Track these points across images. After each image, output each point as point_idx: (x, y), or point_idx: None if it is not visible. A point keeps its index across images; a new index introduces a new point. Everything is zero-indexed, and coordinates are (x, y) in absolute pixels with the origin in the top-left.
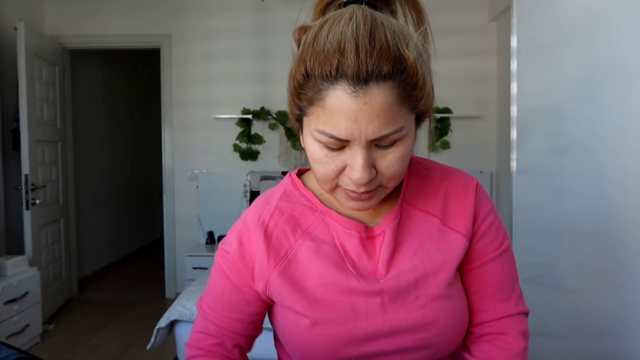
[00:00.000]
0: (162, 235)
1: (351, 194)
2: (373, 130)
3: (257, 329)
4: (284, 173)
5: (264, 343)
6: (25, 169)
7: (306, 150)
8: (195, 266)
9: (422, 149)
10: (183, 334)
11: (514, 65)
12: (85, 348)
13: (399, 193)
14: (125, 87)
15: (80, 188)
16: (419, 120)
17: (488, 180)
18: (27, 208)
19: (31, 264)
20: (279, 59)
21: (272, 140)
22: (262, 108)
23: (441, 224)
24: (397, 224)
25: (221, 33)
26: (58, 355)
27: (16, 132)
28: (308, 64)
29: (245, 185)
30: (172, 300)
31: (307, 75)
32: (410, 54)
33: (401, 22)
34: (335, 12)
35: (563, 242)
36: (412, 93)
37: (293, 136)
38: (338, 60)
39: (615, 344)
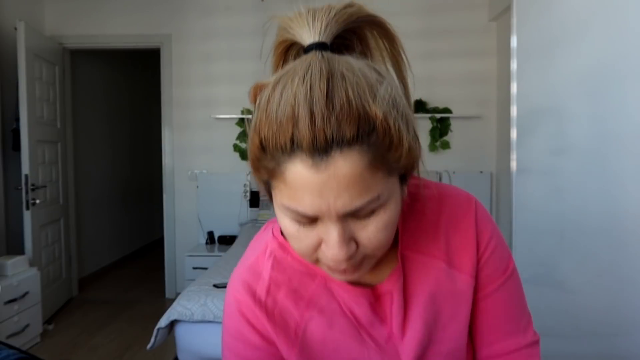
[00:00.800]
0: (162, 235)
1: (334, 268)
2: (343, 204)
3: None
4: None
5: None
6: (25, 169)
7: (278, 222)
8: (195, 266)
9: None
10: (183, 334)
11: (514, 65)
12: (85, 348)
13: (396, 240)
14: (125, 87)
15: (80, 188)
16: (404, 178)
17: (488, 180)
18: (27, 208)
19: (31, 264)
20: None
21: None
22: None
23: (447, 267)
24: (404, 280)
25: (221, 33)
26: (58, 355)
27: (16, 132)
28: (262, 134)
29: (245, 185)
30: (172, 300)
31: (262, 147)
32: (378, 110)
33: (374, 58)
34: (291, 65)
35: (563, 242)
36: (387, 155)
37: None
38: (292, 130)
39: (615, 344)
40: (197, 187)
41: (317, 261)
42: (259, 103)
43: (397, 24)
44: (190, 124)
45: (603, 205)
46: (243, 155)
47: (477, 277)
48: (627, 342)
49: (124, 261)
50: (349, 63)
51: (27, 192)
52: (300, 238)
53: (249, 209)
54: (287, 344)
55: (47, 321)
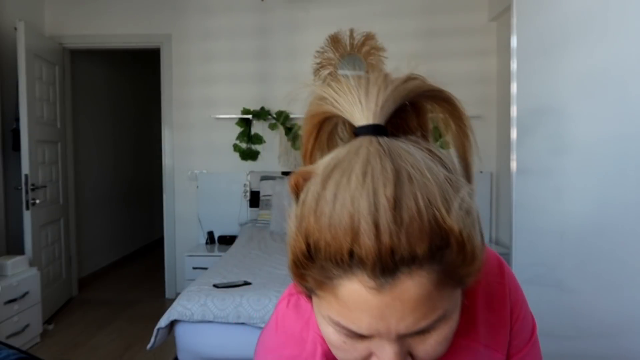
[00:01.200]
0: (162, 235)
1: None
2: (407, 326)
3: None
4: (284, 173)
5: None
6: (25, 169)
7: (319, 326)
8: (195, 266)
9: None
10: (183, 334)
11: (514, 65)
12: (85, 348)
13: None
14: (125, 87)
15: (80, 188)
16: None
17: (488, 180)
18: (27, 208)
19: (31, 264)
20: (279, 59)
21: (272, 140)
22: (262, 108)
23: (484, 348)
24: None
25: (221, 33)
26: (58, 355)
27: (16, 132)
28: (311, 239)
29: (245, 185)
30: (172, 300)
31: (310, 255)
32: (453, 223)
33: (428, 133)
34: (342, 153)
35: (563, 242)
36: (458, 270)
37: (293, 136)
38: (351, 242)
39: (615, 344)
40: (197, 187)
41: None
42: (305, 199)
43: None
44: (190, 124)
45: (603, 205)
46: (243, 155)
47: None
48: (627, 342)
49: (124, 261)
50: (414, 157)
51: (27, 192)
52: (346, 350)
53: (249, 209)
54: None
55: (47, 321)
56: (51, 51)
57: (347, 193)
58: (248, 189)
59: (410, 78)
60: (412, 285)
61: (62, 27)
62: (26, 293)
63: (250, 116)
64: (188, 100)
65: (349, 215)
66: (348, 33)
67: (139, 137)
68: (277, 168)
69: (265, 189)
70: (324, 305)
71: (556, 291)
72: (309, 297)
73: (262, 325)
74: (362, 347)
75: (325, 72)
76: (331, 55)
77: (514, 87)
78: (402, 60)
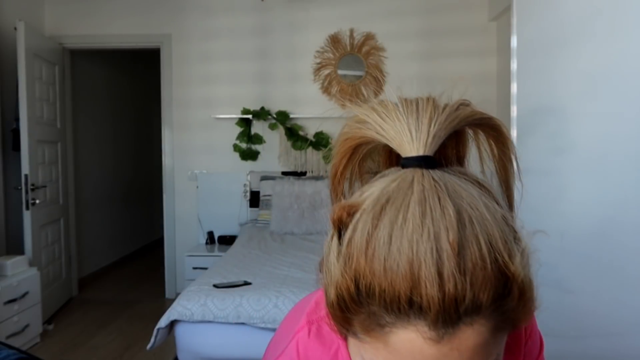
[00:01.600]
0: (162, 235)
1: None
2: None
3: None
4: (284, 173)
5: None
6: (25, 169)
7: None
8: (195, 266)
9: None
10: (183, 334)
11: (514, 65)
12: (85, 348)
13: None
14: (125, 87)
15: (80, 188)
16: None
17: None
18: (27, 208)
19: (31, 264)
20: (279, 59)
21: (272, 140)
22: (262, 108)
23: None
24: None
25: (221, 33)
26: (58, 355)
27: (16, 132)
28: (362, 283)
29: (245, 185)
30: (172, 300)
31: (359, 297)
32: (516, 269)
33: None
34: (393, 185)
35: (563, 242)
36: (515, 317)
37: (293, 136)
38: (411, 290)
39: (615, 344)
40: (197, 187)
41: None
42: (352, 237)
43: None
44: (190, 124)
45: (603, 205)
46: (243, 155)
47: None
48: (627, 342)
49: (124, 261)
50: (471, 195)
51: (27, 192)
52: None
53: (249, 209)
54: None
55: (47, 321)
56: (51, 51)
57: (405, 236)
58: (248, 189)
59: (462, 104)
60: (471, 335)
61: (62, 27)
62: (26, 293)
63: (250, 116)
64: (188, 100)
65: (408, 261)
66: (348, 33)
67: (139, 137)
68: (277, 168)
69: (265, 189)
70: (369, 350)
71: (556, 291)
72: (345, 338)
73: (262, 325)
74: None
75: (325, 72)
76: (331, 55)
77: (514, 87)
78: (402, 60)
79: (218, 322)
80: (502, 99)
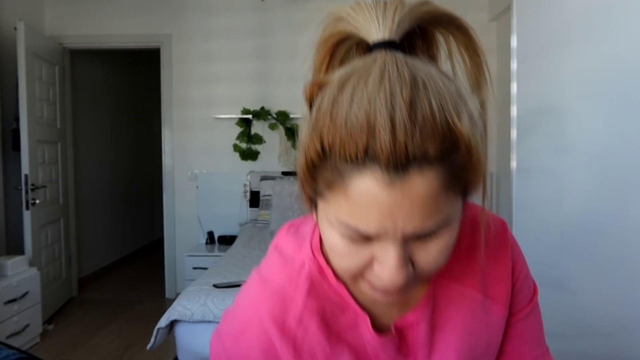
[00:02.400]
0: (162, 235)
1: (378, 289)
2: (413, 225)
3: None
4: (284, 173)
5: None
6: (25, 169)
7: (322, 234)
8: (195, 266)
9: None
10: (183, 334)
11: (514, 65)
12: (85, 348)
13: None
14: (126, 87)
15: (80, 188)
16: (466, 196)
17: (488, 180)
18: (27, 208)
19: (31, 264)
20: (279, 59)
21: (272, 140)
22: (262, 108)
23: (483, 297)
24: (433, 311)
25: (221, 33)
26: (58, 355)
27: (16, 132)
28: (325, 140)
29: (245, 185)
30: (172, 300)
31: (324, 154)
32: (464, 128)
33: (446, 68)
34: (358, 63)
35: (563, 241)
36: (464, 175)
37: (293, 136)
38: (367, 139)
39: (615, 344)
40: (197, 187)
41: (357, 278)
42: (321, 104)
43: None
44: (190, 124)
45: (603, 204)
46: (243, 155)
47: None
48: (627, 341)
49: (124, 261)
50: (428, 69)
51: (27, 192)
52: (349, 255)
53: (249, 209)
54: None
55: (47, 321)
56: (51, 51)
57: (365, 94)
58: (248, 189)
59: (424, 3)
60: (421, 183)
61: (62, 27)
62: (26, 293)
63: (250, 116)
64: (188, 100)
65: (366, 113)
66: None
67: (139, 137)
68: (277, 168)
69: (265, 189)
70: (333, 207)
71: (556, 291)
72: (315, 206)
73: None
74: (365, 252)
75: None
76: None
77: (514, 87)
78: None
79: (218, 322)
80: (502, 99)
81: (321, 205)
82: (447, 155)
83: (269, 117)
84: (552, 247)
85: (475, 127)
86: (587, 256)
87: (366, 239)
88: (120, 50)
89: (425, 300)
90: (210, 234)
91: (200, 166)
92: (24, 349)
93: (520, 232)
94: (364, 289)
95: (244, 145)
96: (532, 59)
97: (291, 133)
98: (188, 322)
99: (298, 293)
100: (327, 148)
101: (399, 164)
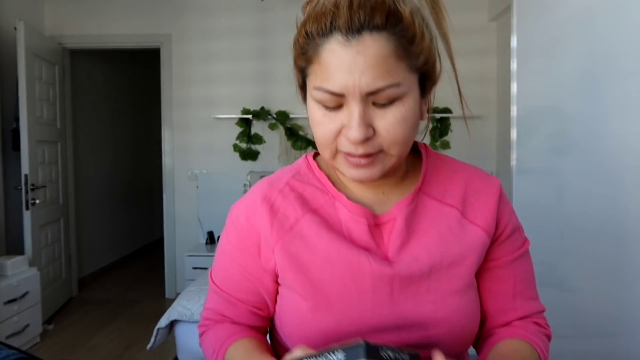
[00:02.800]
0: (162, 235)
1: (350, 158)
2: (367, 81)
3: (266, 309)
4: None
5: None
6: (25, 169)
7: (308, 116)
8: (195, 266)
9: None
10: (183, 334)
11: (514, 65)
12: (85, 348)
13: (415, 181)
14: (125, 87)
15: (80, 188)
16: (424, 85)
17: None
18: (27, 208)
19: (31, 264)
20: (279, 59)
21: (272, 140)
22: (262, 108)
23: (460, 215)
24: (411, 212)
25: (221, 33)
26: (58, 355)
27: (16, 132)
28: (307, 25)
29: (245, 185)
30: (172, 300)
31: (306, 35)
32: (406, 8)
33: None
34: None
35: (563, 241)
36: (410, 48)
37: (293, 136)
38: (332, 15)
39: (615, 344)
40: (197, 187)
41: (335, 154)
42: (308, 6)
43: None
44: (190, 124)
45: (603, 204)
46: (243, 155)
47: (495, 247)
48: (627, 341)
49: (124, 261)
50: None
51: (27, 192)
52: (324, 123)
53: None
54: (276, 235)
55: (47, 321)
56: (51, 51)
57: None
58: (248, 189)
59: None
60: (372, 44)
61: (62, 27)
62: (26, 293)
63: (250, 116)
64: (188, 100)
65: (334, 1)
66: None
67: (138, 137)
68: (277, 168)
69: None
70: (312, 80)
71: (556, 291)
72: (304, 93)
73: None
74: (336, 120)
75: None
76: None
77: (514, 87)
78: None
79: None
80: (502, 99)
81: (307, 85)
82: (392, 26)
83: (269, 117)
84: (552, 248)
85: (419, 15)
86: (587, 256)
87: (336, 104)
88: (120, 50)
89: (404, 202)
90: (210, 234)
91: (200, 166)
92: (24, 349)
93: None
94: (342, 168)
95: (244, 145)
96: (532, 59)
97: (291, 133)
98: (188, 322)
99: (285, 176)
100: (308, 30)
101: (354, 28)
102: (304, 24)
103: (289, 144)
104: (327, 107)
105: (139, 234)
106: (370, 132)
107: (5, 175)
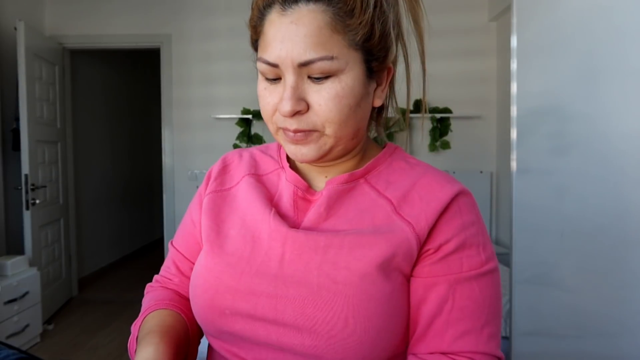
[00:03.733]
0: (162, 235)
1: (287, 133)
2: (298, 52)
3: None
4: None
5: None
6: (25, 169)
7: (258, 89)
8: None
9: (422, 150)
10: None
11: (514, 65)
12: (85, 348)
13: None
14: (125, 87)
15: (80, 188)
16: (371, 69)
17: (488, 180)
18: (27, 208)
19: (31, 264)
20: None
21: (272, 140)
22: None
23: (392, 210)
24: (340, 191)
25: (221, 33)
26: (58, 355)
27: (16, 132)
28: (257, 3)
29: None
30: None
31: (255, 9)
32: None
33: None
34: None
35: (563, 241)
36: (348, 21)
37: None
38: None
39: (615, 344)
40: (197, 187)
41: (277, 130)
42: None
43: None
44: (190, 124)
45: (603, 205)
46: None
47: (426, 257)
48: (627, 342)
49: (123, 261)
50: None
51: (27, 192)
52: (265, 97)
53: None
54: (213, 187)
55: (47, 321)
56: (51, 51)
57: None
58: None
59: None
60: (307, 14)
61: (62, 27)
62: (26, 293)
63: (250, 116)
64: (188, 100)
65: None
66: None
67: (139, 137)
68: None
69: None
70: (259, 53)
71: (556, 291)
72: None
73: None
74: (275, 93)
75: None
76: None
77: (514, 87)
78: (402, 59)
79: None
80: (502, 99)
81: (258, 56)
82: (328, 1)
83: None
84: (552, 247)
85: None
86: (587, 256)
87: (274, 76)
88: (120, 50)
89: (337, 180)
90: None
91: (200, 166)
92: (24, 349)
93: (520, 232)
94: (282, 144)
95: (244, 145)
96: (532, 59)
97: None
98: None
99: (255, 148)
100: (257, 4)
101: (291, 0)
102: (255, 1)
103: None
104: (268, 80)
105: (138, 234)
106: (302, 106)
107: (5, 175)
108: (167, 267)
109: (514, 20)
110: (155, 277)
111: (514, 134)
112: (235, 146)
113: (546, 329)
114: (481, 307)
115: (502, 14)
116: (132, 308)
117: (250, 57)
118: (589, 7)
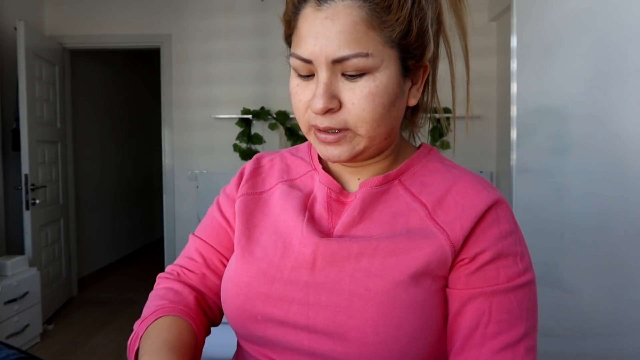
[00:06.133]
0: (162, 235)
1: (319, 134)
2: (333, 48)
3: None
4: None
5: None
6: (25, 169)
7: (290, 84)
8: None
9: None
10: None
11: (514, 65)
12: (85, 348)
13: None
14: (125, 87)
15: (80, 188)
16: (407, 67)
17: (488, 180)
18: (27, 208)
19: (31, 264)
20: (279, 59)
21: (272, 140)
22: (262, 108)
23: (427, 215)
24: (374, 194)
25: (221, 33)
26: (58, 355)
27: (16, 132)
28: None
29: None
30: None
31: (290, 3)
32: None
33: None
34: None
35: (563, 241)
36: (384, 17)
37: (293, 136)
38: None
39: (615, 344)
40: (197, 187)
41: (309, 129)
42: None
43: None
44: (190, 124)
45: (603, 205)
46: (243, 155)
47: (461, 268)
48: (627, 342)
49: (123, 261)
50: None
51: (27, 192)
52: (297, 94)
53: None
54: (245, 189)
55: (47, 321)
56: (51, 51)
57: None
58: None
59: None
60: (342, 10)
61: (62, 27)
62: (26, 293)
63: (250, 116)
64: (188, 100)
65: None
66: None
67: (139, 136)
68: None
69: None
70: (292, 49)
71: (556, 291)
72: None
73: None
74: (308, 89)
75: None
76: None
77: (514, 87)
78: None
79: None
80: (502, 99)
81: (291, 57)
82: None
83: (269, 117)
84: (552, 248)
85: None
86: (587, 256)
87: (307, 72)
88: (120, 50)
89: (371, 182)
90: None
91: (200, 166)
92: (24, 349)
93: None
94: (314, 144)
95: (244, 145)
96: (532, 59)
97: (291, 133)
98: None
99: (285, 150)
100: (294, 0)
101: None
102: None
103: (289, 144)
104: (301, 76)
105: (139, 234)
106: (334, 103)
107: (5, 175)
108: (189, 258)
109: (514, 20)
110: (170, 267)
111: (514, 133)
112: (235, 146)
113: (546, 329)
114: (519, 320)
115: (502, 14)
116: (132, 308)
117: (250, 57)
118: (589, 7)
